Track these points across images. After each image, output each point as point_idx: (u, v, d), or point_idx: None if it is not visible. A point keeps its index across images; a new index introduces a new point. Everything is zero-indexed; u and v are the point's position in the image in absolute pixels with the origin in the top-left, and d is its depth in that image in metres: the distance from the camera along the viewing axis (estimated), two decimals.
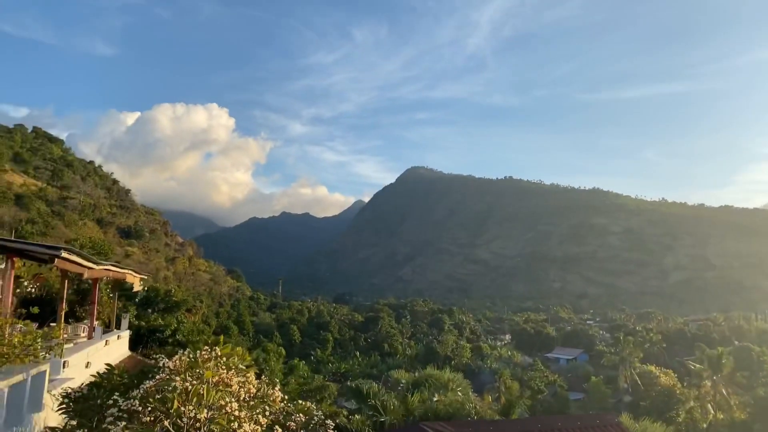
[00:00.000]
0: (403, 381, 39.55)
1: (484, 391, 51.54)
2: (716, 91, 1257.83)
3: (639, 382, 58.99)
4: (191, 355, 8.17)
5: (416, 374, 39.63)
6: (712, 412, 47.73)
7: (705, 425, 45.49)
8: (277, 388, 9.22)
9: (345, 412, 28.70)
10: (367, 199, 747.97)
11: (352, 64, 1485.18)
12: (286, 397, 9.99)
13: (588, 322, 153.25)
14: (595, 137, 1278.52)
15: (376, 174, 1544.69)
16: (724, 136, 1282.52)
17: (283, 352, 53.06)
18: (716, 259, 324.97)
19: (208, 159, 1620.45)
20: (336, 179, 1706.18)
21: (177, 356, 8.17)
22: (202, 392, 7.44)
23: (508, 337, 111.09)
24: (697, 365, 61.99)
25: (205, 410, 7.31)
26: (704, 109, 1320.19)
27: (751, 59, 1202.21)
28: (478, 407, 35.50)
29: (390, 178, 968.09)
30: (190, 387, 7.44)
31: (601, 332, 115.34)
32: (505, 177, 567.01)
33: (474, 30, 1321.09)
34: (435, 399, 32.52)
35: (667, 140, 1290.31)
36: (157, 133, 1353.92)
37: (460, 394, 35.36)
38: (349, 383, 47.42)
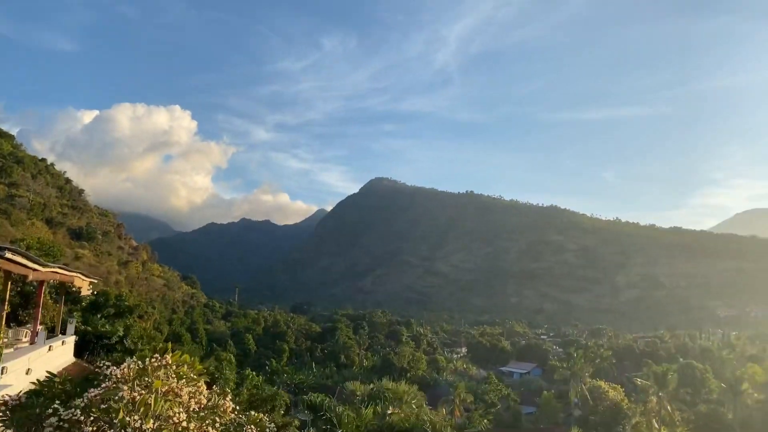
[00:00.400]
0: (359, 393, 39.38)
1: (438, 403, 51.75)
2: (673, 116, 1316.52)
3: (589, 397, 60.37)
4: (140, 363, 7.96)
5: (372, 386, 39.53)
6: (657, 427, 49.25)
7: None
8: (228, 399, 9.07)
9: (297, 423, 28.28)
10: (330, 208, 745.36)
11: (320, 72, 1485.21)
12: (238, 407, 9.83)
13: (542, 336, 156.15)
14: (555, 156, 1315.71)
15: (340, 183, 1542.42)
16: (678, 160, 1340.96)
17: (233, 360, 52.02)
18: (665, 279, 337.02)
19: (168, 161, 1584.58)
20: (299, 187, 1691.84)
21: (125, 364, 7.95)
22: (149, 402, 7.27)
23: (464, 349, 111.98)
24: (644, 381, 64.00)
25: (152, 421, 7.14)
26: (660, 134, 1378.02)
27: (707, 87, 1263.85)
28: (432, 420, 35.67)
29: (354, 188, 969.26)
30: (137, 396, 7.26)
31: (554, 347, 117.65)
32: (466, 191, 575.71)
33: (442, 46, 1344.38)
34: (389, 412, 32.48)
35: (623, 162, 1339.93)
36: (115, 133, 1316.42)
37: (414, 406, 35.43)
38: (304, 394, 46.89)
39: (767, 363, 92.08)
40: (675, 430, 50.46)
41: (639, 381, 69.03)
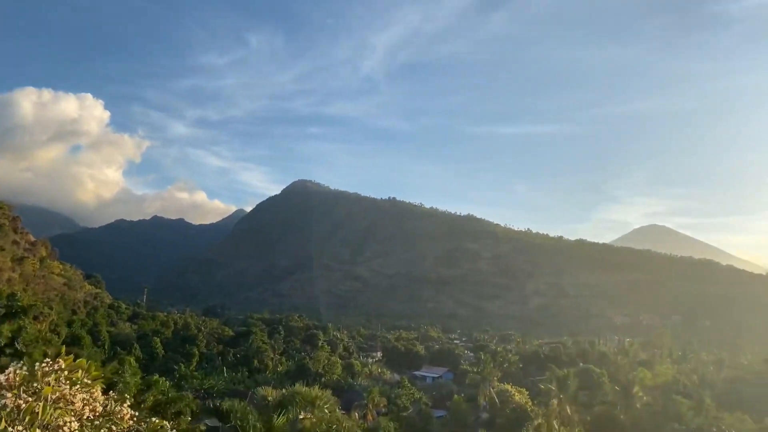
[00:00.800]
0: (270, 398, 38.72)
1: (352, 408, 51.86)
2: (583, 136, 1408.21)
3: (496, 400, 62.85)
4: (28, 368, 7.42)
5: (284, 391, 38.97)
6: (557, 428, 52.12)
7: None
8: (126, 405, 8.65)
9: (203, 429, 27.40)
10: (249, 209, 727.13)
11: (245, 69, 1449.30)
12: (137, 414, 9.40)
13: (455, 341, 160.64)
14: (473, 168, 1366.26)
15: (261, 184, 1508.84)
16: (585, 177, 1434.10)
17: (135, 364, 49.43)
18: (570, 288, 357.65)
19: (76, 152, 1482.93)
20: (217, 186, 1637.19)
21: (10, 369, 7.37)
22: (37, 410, 6.81)
23: (379, 354, 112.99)
24: (547, 385, 67.49)
25: (38, 430, 6.69)
26: (571, 151, 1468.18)
27: (615, 111, 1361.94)
28: (345, 425, 35.71)
29: (275, 190, 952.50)
30: (23, 404, 6.78)
31: (466, 352, 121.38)
32: (389, 198, 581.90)
33: (370, 53, 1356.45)
34: (301, 417, 32.21)
35: (536, 176, 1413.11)
36: (15, 119, 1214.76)
37: (327, 411, 35.33)
38: (213, 400, 45.39)
39: (656, 368, 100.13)
40: (573, 430, 53.67)
41: (542, 385, 72.79)
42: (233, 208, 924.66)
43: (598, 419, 52.41)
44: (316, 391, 37.36)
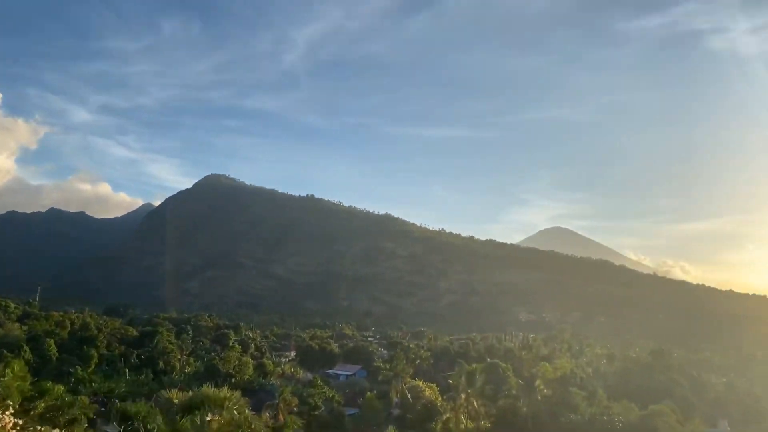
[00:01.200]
0: (176, 401, 37.23)
1: (263, 408, 50.93)
2: (496, 140, 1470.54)
3: (408, 396, 64.12)
4: None
5: (191, 393, 37.58)
6: (464, 421, 54.07)
7: None
8: (8, 413, 8.04)
9: None
10: (157, 203, 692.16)
11: (157, 56, 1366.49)
12: (20, 421, 8.75)
13: (369, 339, 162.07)
14: (393, 168, 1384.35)
15: (171, 177, 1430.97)
16: (497, 180, 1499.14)
17: (18, 367, 45.67)
18: (480, 286, 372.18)
19: None
20: (123, 178, 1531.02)
21: None
22: None
23: (293, 353, 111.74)
24: (456, 380, 69.83)
25: None
26: (485, 155, 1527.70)
27: (527, 118, 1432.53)
28: (254, 426, 35.01)
29: (187, 183, 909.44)
30: None
31: (380, 349, 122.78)
32: (307, 195, 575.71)
33: (291, 47, 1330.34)
34: (208, 419, 31.24)
35: (451, 178, 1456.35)
36: None
37: (236, 412, 34.49)
38: (113, 404, 42.92)
39: (556, 362, 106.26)
40: (479, 423, 55.89)
41: (452, 380, 75.17)
42: (140, 202, 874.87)
43: (502, 412, 54.93)
44: (225, 392, 36.34)
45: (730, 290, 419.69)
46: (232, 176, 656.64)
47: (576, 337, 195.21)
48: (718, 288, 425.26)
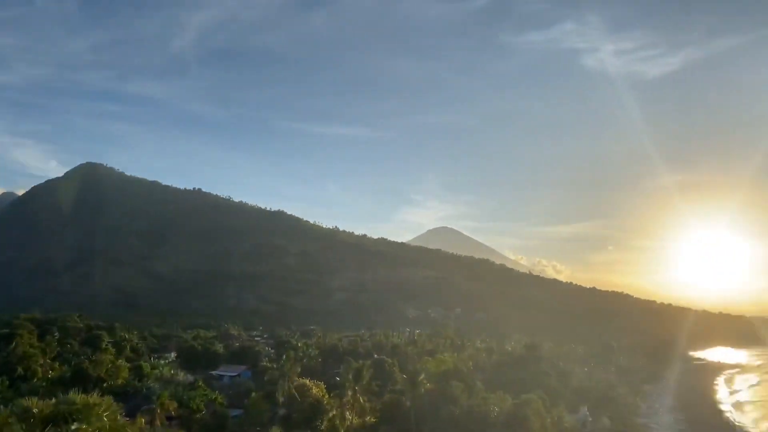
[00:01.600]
0: (35, 410, 33.95)
1: (138, 414, 47.92)
2: (391, 141, 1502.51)
3: (295, 395, 63.51)
4: None
5: (54, 401, 34.35)
6: (349, 417, 54.71)
7: (342, 430, 51.71)
8: None
9: None
10: (21, 192, 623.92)
11: (26, 29, 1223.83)
12: None
13: (256, 338, 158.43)
14: (287, 164, 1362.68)
15: (39, 164, 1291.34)
16: (389, 180, 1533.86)
17: None
18: (370, 284, 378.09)
19: None
20: None
21: None
22: None
23: (173, 354, 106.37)
24: (344, 377, 70.38)
25: None
26: (378, 155, 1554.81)
27: (420, 121, 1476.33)
28: None
29: (57, 172, 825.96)
30: None
31: (267, 348, 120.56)
32: (194, 188, 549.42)
33: (181, 32, 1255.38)
34: (74, 428, 28.86)
35: (345, 176, 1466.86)
36: None
37: (106, 419, 32.20)
38: None
39: (439, 356, 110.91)
40: (364, 419, 56.85)
41: (339, 377, 75.64)
42: (1, 191, 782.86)
43: (387, 406, 56.32)
44: (94, 398, 33.68)
45: (594, 288, 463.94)
46: (110, 165, 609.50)
47: (458, 333, 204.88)
48: (584, 286, 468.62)
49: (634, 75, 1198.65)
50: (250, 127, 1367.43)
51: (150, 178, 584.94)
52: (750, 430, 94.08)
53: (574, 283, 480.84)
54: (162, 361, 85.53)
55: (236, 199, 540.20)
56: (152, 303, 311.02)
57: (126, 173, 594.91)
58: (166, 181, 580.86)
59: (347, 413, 55.13)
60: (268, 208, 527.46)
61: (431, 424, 50.92)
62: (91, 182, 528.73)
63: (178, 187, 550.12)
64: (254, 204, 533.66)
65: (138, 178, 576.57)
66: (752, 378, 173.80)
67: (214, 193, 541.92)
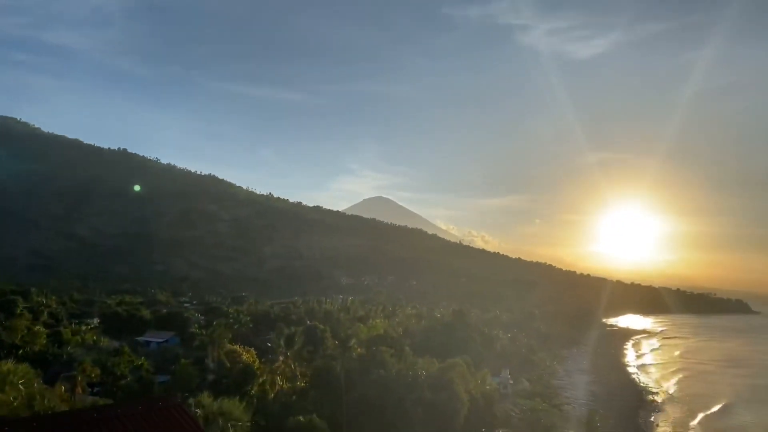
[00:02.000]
0: None
1: (58, 381, 46.17)
2: (328, 107, 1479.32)
3: (225, 361, 63.08)
4: None
5: None
6: (280, 383, 55.13)
7: (272, 395, 52.11)
8: None
9: None
10: None
11: None
12: None
13: (185, 305, 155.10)
14: (219, 126, 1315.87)
15: None
16: (326, 148, 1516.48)
17: None
18: (305, 251, 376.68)
19: None
20: None
21: None
22: None
23: (96, 320, 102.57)
24: (276, 343, 70.56)
25: None
26: (315, 122, 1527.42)
27: (360, 89, 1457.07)
28: (46, 400, 31.75)
29: None
30: None
31: (197, 315, 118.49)
32: (119, 148, 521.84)
33: None
34: None
35: (281, 142, 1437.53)
36: None
37: (22, 387, 30.90)
38: None
39: (370, 322, 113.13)
40: (295, 384, 57.45)
41: (271, 343, 75.77)
42: None
43: (318, 371, 57.03)
44: (9, 365, 32.25)
45: (519, 258, 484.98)
46: (24, 120, 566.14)
47: (390, 300, 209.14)
48: (510, 256, 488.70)
49: (564, 55, 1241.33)
50: (180, 87, 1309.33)
51: (70, 135, 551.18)
52: (651, 388, 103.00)
53: (501, 253, 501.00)
54: (84, 327, 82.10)
55: (164, 161, 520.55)
56: (73, 268, 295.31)
57: (43, 129, 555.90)
58: (88, 140, 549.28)
59: (278, 378, 55.50)
60: (198, 172, 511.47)
61: (361, 388, 52.20)
62: (2, 138, 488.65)
63: (101, 146, 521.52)
64: (184, 167, 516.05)
65: (56, 135, 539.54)
66: (655, 343, 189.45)
67: (141, 155, 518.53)
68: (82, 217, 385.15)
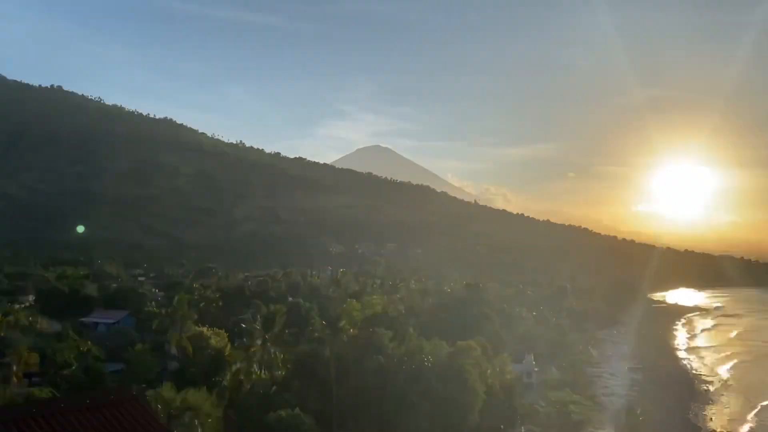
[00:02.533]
0: None
1: None
2: (312, 35, 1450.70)
3: (190, 346, 64.08)
4: None
5: None
6: (257, 371, 56.11)
7: (248, 386, 53.11)
8: None
9: None
10: None
11: None
12: None
13: (140, 279, 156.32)
14: (176, 58, 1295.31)
15: None
16: (310, 84, 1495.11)
17: None
18: (284, 213, 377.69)
19: None
20: None
21: None
22: None
23: (31, 298, 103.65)
24: (251, 324, 71.46)
25: None
26: (296, 51, 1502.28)
27: (348, 9, 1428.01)
28: None
29: None
30: None
31: (154, 290, 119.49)
32: (52, 86, 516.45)
33: None
34: None
35: (253, 78, 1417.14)
36: None
37: None
38: None
39: (366, 298, 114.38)
40: (274, 373, 58.47)
41: (245, 325, 76.78)
42: None
43: (303, 358, 57.87)
44: None
45: (548, 221, 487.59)
46: None
47: (390, 272, 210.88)
48: (537, 219, 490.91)
49: None
50: (126, 7, 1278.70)
51: None
52: (706, 377, 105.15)
53: (526, 215, 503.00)
54: (17, 306, 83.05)
55: (109, 102, 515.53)
56: (0, 234, 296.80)
57: None
58: (14, 75, 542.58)
59: (254, 367, 56.41)
60: (152, 115, 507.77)
61: (354, 378, 53.05)
62: None
63: (30, 84, 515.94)
64: (134, 109, 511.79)
65: None
66: (710, 323, 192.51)
67: (80, 93, 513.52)
68: (10, 172, 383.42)
